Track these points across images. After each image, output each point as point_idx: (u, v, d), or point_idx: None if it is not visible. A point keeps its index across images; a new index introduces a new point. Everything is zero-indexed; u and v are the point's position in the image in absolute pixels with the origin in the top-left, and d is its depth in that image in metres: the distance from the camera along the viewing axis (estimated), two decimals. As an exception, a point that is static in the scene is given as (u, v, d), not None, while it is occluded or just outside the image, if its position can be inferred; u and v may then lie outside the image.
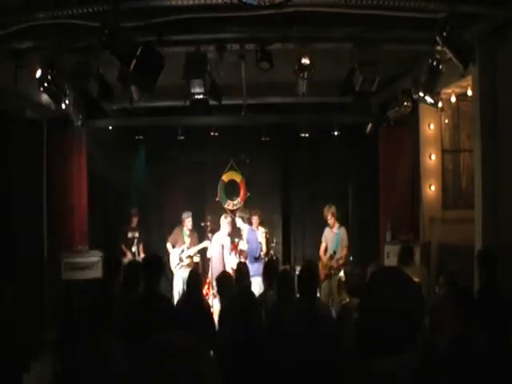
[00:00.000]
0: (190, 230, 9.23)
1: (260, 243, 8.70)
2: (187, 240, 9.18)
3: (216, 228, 9.02)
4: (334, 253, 8.02)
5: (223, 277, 5.56)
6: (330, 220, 8.35)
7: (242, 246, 8.39)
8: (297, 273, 6.24)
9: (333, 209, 8.40)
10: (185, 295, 5.06)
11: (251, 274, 8.28)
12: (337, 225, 8.36)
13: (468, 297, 4.03)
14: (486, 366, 2.79)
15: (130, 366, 1.28)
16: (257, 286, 8.21)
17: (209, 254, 8.88)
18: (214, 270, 8.43)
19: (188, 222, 9.20)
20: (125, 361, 2.82)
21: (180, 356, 1.25)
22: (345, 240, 8.21)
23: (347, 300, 4.85)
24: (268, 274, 5.50)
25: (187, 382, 1.22)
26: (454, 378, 2.84)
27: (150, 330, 3.06)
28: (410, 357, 1.55)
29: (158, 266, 4.75)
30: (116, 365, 2.74)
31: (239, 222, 8.67)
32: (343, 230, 8.30)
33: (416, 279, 5.93)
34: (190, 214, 9.25)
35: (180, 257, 9.06)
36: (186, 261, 9.07)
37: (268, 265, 6.04)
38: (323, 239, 8.48)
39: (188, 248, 9.13)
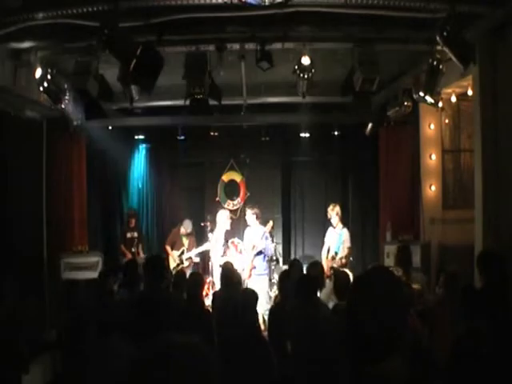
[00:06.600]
0: (188, 234, 9.23)
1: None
2: (185, 242, 9.18)
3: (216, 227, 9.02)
4: (336, 253, 8.00)
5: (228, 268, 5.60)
6: (334, 219, 8.27)
7: (260, 244, 8.30)
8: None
9: (337, 208, 8.24)
10: (185, 296, 5.03)
11: (260, 272, 8.31)
12: (340, 225, 8.29)
13: (470, 296, 4.02)
14: (491, 368, 2.78)
15: (134, 366, 1.27)
16: (263, 285, 8.21)
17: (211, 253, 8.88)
18: (214, 269, 8.44)
19: (183, 229, 9.22)
20: (128, 361, 2.81)
21: (183, 357, 1.25)
22: (347, 241, 8.14)
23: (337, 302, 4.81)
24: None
25: (190, 383, 1.22)
26: (458, 381, 2.84)
27: (151, 330, 3.07)
28: (402, 359, 1.55)
29: (161, 266, 4.75)
30: (119, 364, 2.73)
31: (252, 219, 8.48)
32: (346, 231, 8.23)
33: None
34: (189, 223, 9.25)
35: (180, 258, 9.07)
36: (186, 263, 9.08)
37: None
38: (326, 240, 8.45)
39: (187, 250, 9.12)
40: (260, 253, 8.28)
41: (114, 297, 4.83)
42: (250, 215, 8.44)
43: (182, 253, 9.10)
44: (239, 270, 7.25)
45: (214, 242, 8.67)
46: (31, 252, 7.85)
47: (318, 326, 4.08)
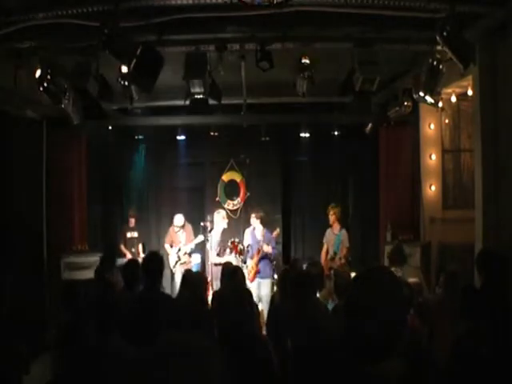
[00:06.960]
0: (181, 227, 9.24)
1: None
2: (181, 237, 9.20)
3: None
4: (335, 254, 8.04)
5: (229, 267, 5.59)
6: (331, 217, 8.35)
7: (266, 248, 8.32)
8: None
9: (336, 209, 8.42)
10: (188, 295, 5.03)
11: (264, 275, 8.31)
12: (338, 226, 8.36)
13: (470, 296, 4.02)
14: (491, 368, 2.78)
15: (134, 366, 1.27)
16: (266, 288, 8.20)
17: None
18: (213, 268, 8.44)
19: (176, 225, 9.24)
20: (131, 360, 2.81)
21: (183, 357, 1.25)
22: (345, 242, 8.22)
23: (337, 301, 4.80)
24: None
25: (196, 382, 1.22)
26: (458, 381, 2.83)
27: (153, 329, 3.06)
28: (402, 359, 1.54)
29: (159, 264, 4.74)
30: (121, 364, 2.73)
31: (256, 223, 8.51)
32: (344, 232, 8.31)
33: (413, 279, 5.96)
34: (180, 217, 9.26)
35: (178, 255, 9.08)
36: (184, 258, 9.10)
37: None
38: (324, 241, 8.48)
39: (185, 245, 9.16)
40: (265, 257, 8.31)
41: (114, 294, 4.83)
42: (255, 220, 8.49)
43: (179, 249, 9.13)
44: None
45: (214, 242, 8.69)
46: (31, 252, 7.85)
47: (317, 326, 4.07)
